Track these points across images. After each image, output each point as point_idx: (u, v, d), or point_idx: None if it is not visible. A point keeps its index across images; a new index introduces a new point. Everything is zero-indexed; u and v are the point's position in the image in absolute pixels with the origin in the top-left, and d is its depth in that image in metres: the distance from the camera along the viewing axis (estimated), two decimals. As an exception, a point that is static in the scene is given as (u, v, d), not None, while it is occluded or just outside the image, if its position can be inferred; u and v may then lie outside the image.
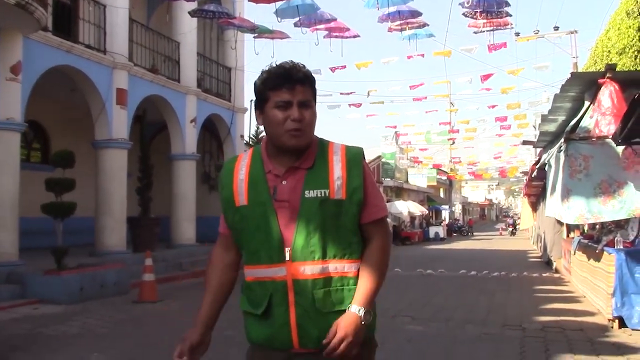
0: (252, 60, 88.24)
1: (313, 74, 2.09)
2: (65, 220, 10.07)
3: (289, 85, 1.98)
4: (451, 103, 41.41)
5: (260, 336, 2.05)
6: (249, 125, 20.00)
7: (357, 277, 2.02)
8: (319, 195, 1.99)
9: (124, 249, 13.20)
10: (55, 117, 15.88)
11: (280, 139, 2.02)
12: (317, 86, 2.11)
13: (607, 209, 7.64)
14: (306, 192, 2.00)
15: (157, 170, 14.67)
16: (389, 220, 30.05)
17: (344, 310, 1.97)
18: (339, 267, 2.01)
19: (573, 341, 6.62)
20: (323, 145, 2.12)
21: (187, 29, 15.89)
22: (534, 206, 22.63)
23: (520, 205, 38.77)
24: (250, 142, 18.62)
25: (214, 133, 19.23)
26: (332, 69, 21.01)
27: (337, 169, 2.03)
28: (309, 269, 1.97)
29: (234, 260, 2.22)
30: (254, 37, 15.51)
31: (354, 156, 2.08)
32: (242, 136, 19.35)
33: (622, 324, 7.35)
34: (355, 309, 1.96)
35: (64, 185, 9.90)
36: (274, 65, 2.06)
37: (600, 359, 5.80)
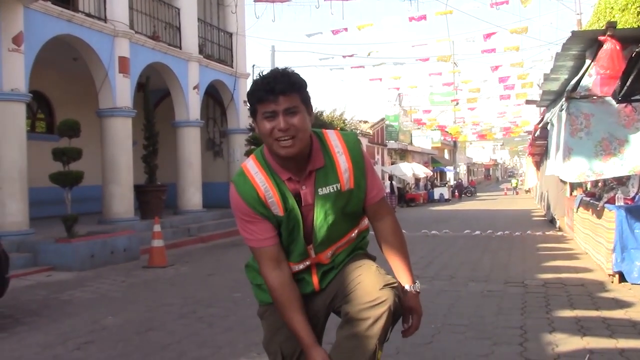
0: (254, 24, 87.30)
1: (301, 80, 2.12)
2: (73, 188, 10.22)
3: (272, 97, 2.04)
4: (454, 63, 41.11)
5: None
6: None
7: (356, 237, 2.36)
8: (331, 190, 2.15)
9: (132, 216, 13.39)
10: (59, 87, 15.93)
11: (272, 148, 2.11)
12: (308, 76, 2.21)
13: (608, 166, 7.73)
14: (319, 190, 2.14)
15: (162, 137, 14.75)
16: (393, 182, 30.18)
17: (346, 256, 2.34)
18: (344, 241, 2.32)
19: (573, 296, 6.78)
20: (322, 140, 2.20)
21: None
22: (538, 165, 22.69)
23: (525, 165, 38.81)
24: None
25: (217, 99, 19.25)
26: (334, 32, 20.93)
27: (343, 162, 2.16)
28: (329, 253, 2.29)
29: (289, 273, 2.24)
30: (254, 1, 15.44)
31: (353, 146, 2.20)
32: (245, 102, 19.33)
33: (622, 279, 7.50)
34: (410, 287, 2.27)
35: (71, 155, 10.02)
36: (260, 76, 2.12)
37: (600, 312, 5.95)
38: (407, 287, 2.24)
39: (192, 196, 16.24)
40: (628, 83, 5.79)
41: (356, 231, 2.34)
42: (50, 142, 13.56)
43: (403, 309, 2.21)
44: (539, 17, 49.13)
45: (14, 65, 10.31)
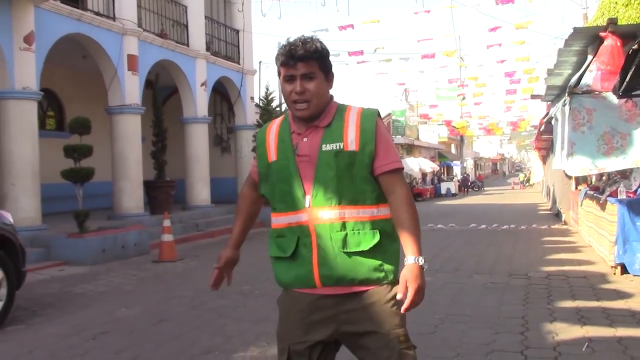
0: (260, 21, 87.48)
1: (322, 48, 2.29)
2: (84, 185, 10.40)
3: (292, 62, 2.25)
4: (461, 58, 41.11)
5: (288, 277, 2.33)
6: (258, 87, 20.13)
7: (372, 221, 2.25)
8: (334, 148, 2.24)
9: (142, 211, 13.58)
10: (68, 85, 16.13)
11: (290, 108, 2.34)
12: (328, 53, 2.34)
13: (610, 160, 7.87)
14: (323, 146, 2.26)
15: (170, 133, 14.93)
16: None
17: (361, 252, 2.21)
18: (353, 212, 2.23)
19: (575, 288, 6.92)
20: (341, 108, 2.37)
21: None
22: (544, 159, 22.76)
23: (532, 159, 38.80)
24: (261, 104, 18.77)
25: (224, 95, 19.41)
26: (340, 28, 21.06)
27: (352, 125, 2.28)
28: (327, 214, 2.23)
29: (259, 197, 2.56)
30: (261, -1, 15.56)
31: (368, 114, 2.33)
32: (252, 98, 19.50)
33: (625, 270, 7.64)
34: (413, 259, 2.19)
35: (82, 152, 10.19)
36: (285, 43, 2.31)
37: (600, 303, 6.09)
38: (409, 257, 2.20)
39: (201, 191, 16.43)
40: (627, 79, 5.91)
41: (370, 211, 2.26)
42: (60, 139, 13.78)
43: (400, 279, 2.21)
44: (545, 12, 48.96)
45: (26, 64, 10.50)
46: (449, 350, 4.57)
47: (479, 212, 21.75)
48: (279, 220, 2.36)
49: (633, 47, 5.46)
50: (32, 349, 5.01)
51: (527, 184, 49.83)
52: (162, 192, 14.26)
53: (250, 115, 19.06)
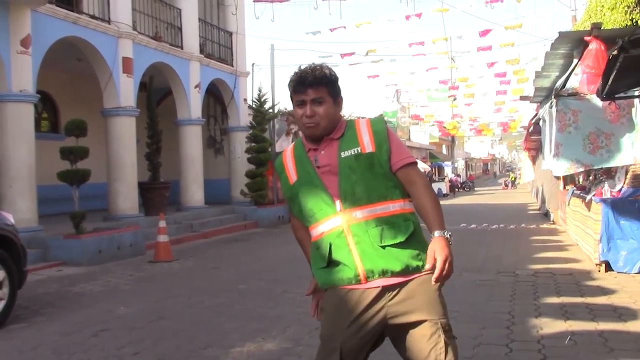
0: (253, 24, 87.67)
1: (330, 75, 2.51)
2: (80, 186, 10.54)
3: (302, 89, 2.48)
4: (452, 59, 41.42)
5: (330, 280, 2.46)
6: (251, 88, 20.29)
7: (403, 214, 2.41)
8: (352, 152, 2.45)
9: (137, 212, 13.72)
10: (63, 87, 16.23)
11: (302, 129, 2.57)
12: (335, 79, 2.54)
13: (596, 158, 8.13)
14: (342, 153, 2.46)
15: (164, 135, 15.07)
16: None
17: (399, 243, 2.36)
18: (384, 207, 2.40)
19: (561, 285, 7.15)
20: (350, 123, 2.60)
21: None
22: (534, 160, 23.03)
23: (522, 160, 39.11)
24: (254, 106, 18.94)
25: (218, 97, 19.56)
26: (332, 29, 21.27)
27: (365, 131, 2.50)
28: (360, 213, 2.39)
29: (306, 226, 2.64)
30: (254, 1, 15.78)
31: (376, 120, 2.58)
32: (245, 100, 19.67)
33: (609, 267, 7.88)
34: (439, 233, 2.33)
35: (78, 154, 10.34)
36: (298, 69, 2.54)
37: (584, 299, 6.32)
38: (436, 232, 2.32)
39: (195, 193, 16.58)
40: (609, 82, 6.13)
41: (398, 205, 2.42)
42: (55, 140, 13.91)
43: (428, 251, 2.34)
44: (535, 14, 49.39)
45: (22, 67, 10.64)
46: (438, 343, 4.77)
47: (469, 212, 22.01)
48: (314, 232, 2.52)
49: (613, 53, 5.68)
50: (36, 345, 5.17)
51: (513, 184, 50.10)
52: (157, 193, 14.41)
53: (243, 116, 19.24)
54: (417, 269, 2.39)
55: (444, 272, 2.26)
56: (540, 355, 4.41)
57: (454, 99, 37.11)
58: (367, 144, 2.46)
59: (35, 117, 14.03)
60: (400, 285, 2.38)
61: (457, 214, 20.88)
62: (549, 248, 10.62)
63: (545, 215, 17.66)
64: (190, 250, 12.02)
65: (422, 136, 49.71)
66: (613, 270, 7.77)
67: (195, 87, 16.62)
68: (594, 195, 8.76)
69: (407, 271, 2.38)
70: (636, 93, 7.65)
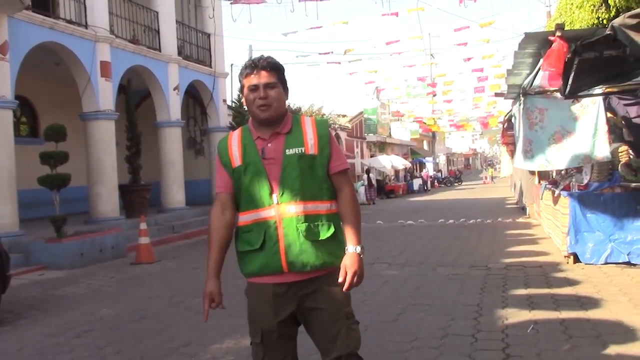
0: (231, 25, 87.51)
1: (280, 64, 2.75)
2: (60, 190, 10.63)
3: (256, 72, 2.68)
4: (431, 55, 41.74)
5: (256, 266, 2.66)
6: (231, 89, 20.44)
7: (328, 214, 2.68)
8: (297, 152, 2.67)
9: (118, 215, 13.83)
10: (42, 91, 16.23)
11: (254, 114, 2.73)
12: (286, 70, 2.81)
13: (561, 157, 8.40)
14: (287, 150, 2.68)
15: (144, 137, 15.18)
16: (371, 175, 30.78)
17: (321, 240, 2.62)
18: (315, 206, 2.66)
19: (530, 277, 7.42)
20: (297, 118, 2.82)
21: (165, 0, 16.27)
22: (512, 154, 23.37)
23: (502, 154, 39.52)
24: (233, 106, 19.07)
25: (197, 99, 19.67)
26: (310, 28, 21.44)
27: (310, 133, 2.73)
28: (293, 208, 2.62)
29: (229, 220, 2.79)
30: (231, 3, 15.92)
31: (321, 124, 2.81)
32: (224, 100, 19.80)
33: (577, 259, 8.16)
34: (353, 248, 2.65)
35: (58, 158, 10.44)
36: (249, 59, 2.78)
37: (550, 290, 6.59)
38: (350, 247, 2.65)
39: (176, 194, 16.70)
40: (570, 82, 6.40)
41: (326, 205, 2.68)
42: (35, 145, 13.98)
43: (340, 266, 2.66)
44: (511, 11, 49.93)
45: (0, 74, 10.70)
46: (408, 335, 5.01)
47: (448, 207, 22.35)
48: (246, 217, 2.71)
49: (568, 56, 5.94)
50: (21, 347, 5.33)
51: (492, 179, 50.53)
52: (138, 195, 14.53)
53: (223, 117, 19.39)
54: (332, 264, 2.66)
55: (353, 284, 2.61)
56: (503, 344, 4.65)
57: (434, 95, 37.47)
58: (310, 146, 2.70)
59: (14, 121, 14.13)
60: (316, 278, 2.65)
61: (437, 209, 21.23)
62: (523, 241, 10.92)
63: (523, 209, 18.01)
64: (171, 251, 12.17)
65: (403, 132, 50.09)
66: (581, 262, 8.06)
67: (174, 89, 16.73)
68: (562, 190, 9.05)
69: (323, 266, 2.65)
70: (598, 91, 7.96)
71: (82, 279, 9.08)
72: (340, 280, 2.60)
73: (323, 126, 2.79)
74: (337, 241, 2.70)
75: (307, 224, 2.62)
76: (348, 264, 2.62)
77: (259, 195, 2.66)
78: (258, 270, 2.67)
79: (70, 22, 12.85)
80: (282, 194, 2.63)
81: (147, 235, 10.79)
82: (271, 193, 2.64)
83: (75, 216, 13.47)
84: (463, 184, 49.41)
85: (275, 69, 2.71)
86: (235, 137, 2.79)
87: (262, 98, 2.66)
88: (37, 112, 16.64)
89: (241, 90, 2.80)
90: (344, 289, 2.61)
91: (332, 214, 2.71)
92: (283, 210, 2.62)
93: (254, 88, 2.68)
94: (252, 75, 2.68)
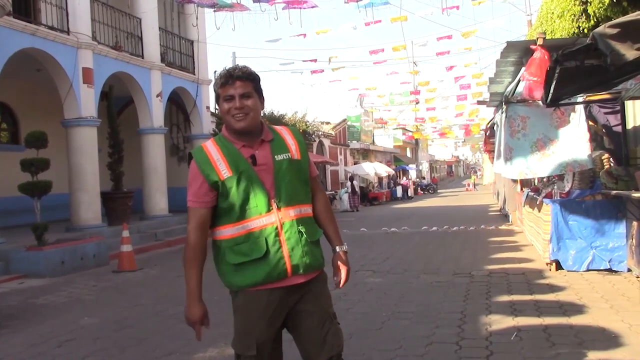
0: (214, 32, 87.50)
1: (255, 73, 2.75)
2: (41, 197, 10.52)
3: (231, 82, 2.67)
4: (414, 63, 41.96)
5: (260, 275, 2.59)
6: (214, 96, 20.38)
7: (312, 217, 2.80)
8: (285, 157, 2.73)
9: (100, 222, 13.69)
10: (23, 98, 16.09)
11: (229, 123, 2.71)
12: (262, 79, 2.83)
13: (542, 166, 8.47)
14: (276, 156, 2.72)
15: (126, 144, 15.06)
16: (355, 182, 30.82)
17: (315, 242, 2.72)
18: (305, 209, 2.75)
19: (513, 284, 7.47)
20: (271, 127, 2.87)
21: (148, 7, 16.17)
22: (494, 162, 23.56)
23: (484, 162, 39.83)
24: (217, 113, 19.00)
25: (180, 106, 19.59)
26: (294, 36, 21.48)
27: (290, 139, 2.82)
28: (292, 212, 2.67)
29: (206, 241, 2.72)
30: (214, 11, 15.91)
31: (296, 131, 2.94)
32: (208, 107, 19.74)
33: (559, 266, 8.23)
34: (340, 248, 2.86)
35: (40, 165, 10.32)
36: (223, 69, 2.75)
37: (533, 297, 6.63)
38: (337, 248, 2.84)
39: (158, 201, 16.59)
40: (551, 90, 6.47)
41: (309, 208, 2.79)
42: (15, 152, 13.81)
43: (333, 266, 2.82)
44: (492, 19, 50.54)
45: (-19, 80, 10.59)
46: (393, 343, 5.01)
47: (432, 214, 22.44)
48: (235, 229, 2.62)
49: (550, 65, 6.00)
50: (1, 357, 5.24)
51: (475, 186, 50.74)
52: (120, 203, 14.40)
53: (206, 124, 19.34)
54: (322, 265, 2.76)
55: (346, 280, 2.83)
56: (487, 352, 4.67)
57: (417, 103, 37.70)
58: (294, 152, 2.77)
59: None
60: (312, 280, 2.71)
61: (420, 216, 21.29)
62: (505, 249, 10.99)
63: (506, 216, 18.12)
64: (154, 259, 12.08)
65: (386, 140, 50.29)
66: (563, 269, 8.12)
67: (157, 95, 16.65)
68: (544, 197, 9.12)
69: (320, 266, 2.74)
70: (579, 100, 8.05)
71: (63, 287, 8.97)
72: (335, 278, 2.78)
73: (298, 133, 2.92)
74: (319, 243, 2.79)
75: (303, 226, 2.68)
76: (341, 262, 2.82)
77: (254, 203, 2.63)
78: (263, 279, 2.60)
79: (52, 28, 12.75)
80: (280, 198, 2.66)
81: (130, 242, 10.70)
82: (269, 199, 2.64)
83: (57, 224, 13.32)
84: (449, 190, 49.64)
85: (250, 78, 2.70)
86: (212, 148, 2.71)
87: (238, 108, 2.65)
88: (18, 119, 16.47)
89: (217, 100, 2.74)
90: (340, 286, 2.80)
91: (313, 217, 2.83)
92: (283, 215, 2.64)
93: (230, 98, 2.66)
94: (228, 86, 2.66)
